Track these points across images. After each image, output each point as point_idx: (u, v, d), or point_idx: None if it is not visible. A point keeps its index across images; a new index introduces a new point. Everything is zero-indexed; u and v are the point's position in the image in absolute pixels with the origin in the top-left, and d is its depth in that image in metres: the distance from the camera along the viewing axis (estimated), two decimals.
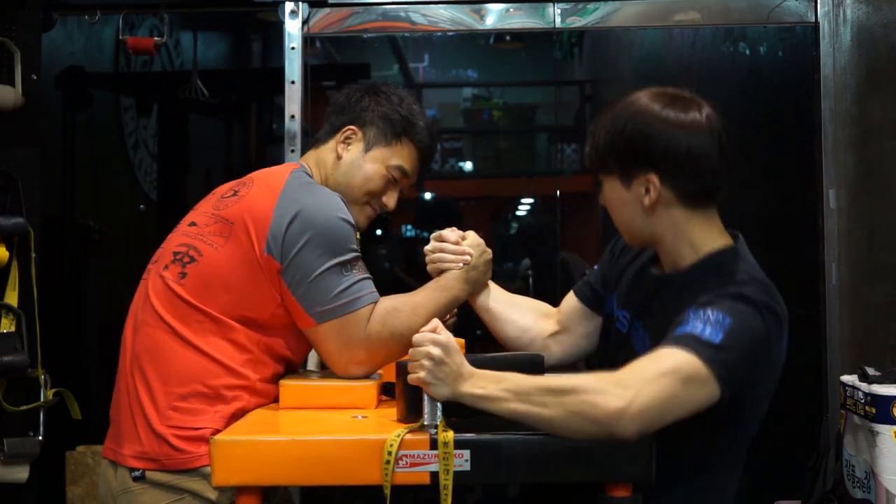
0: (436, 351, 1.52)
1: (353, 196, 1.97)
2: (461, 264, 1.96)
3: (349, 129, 2.00)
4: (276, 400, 1.85)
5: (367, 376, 1.88)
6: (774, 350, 1.63)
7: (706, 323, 1.52)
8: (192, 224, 1.90)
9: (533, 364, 1.71)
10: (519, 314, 2.04)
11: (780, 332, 1.62)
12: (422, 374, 1.52)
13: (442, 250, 1.97)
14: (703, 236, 1.69)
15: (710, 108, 1.68)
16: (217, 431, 1.70)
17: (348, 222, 1.84)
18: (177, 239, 1.90)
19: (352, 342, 1.82)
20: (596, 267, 2.02)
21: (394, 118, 2.00)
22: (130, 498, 1.78)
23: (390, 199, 2.02)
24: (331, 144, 2.02)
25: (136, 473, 1.77)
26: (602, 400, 1.45)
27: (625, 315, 1.83)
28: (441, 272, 1.97)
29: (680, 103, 1.66)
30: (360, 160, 1.99)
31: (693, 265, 1.69)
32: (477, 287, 2.00)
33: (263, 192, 1.85)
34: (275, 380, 1.86)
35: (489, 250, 2.00)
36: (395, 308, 1.87)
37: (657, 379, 1.47)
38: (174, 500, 1.76)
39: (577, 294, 2.01)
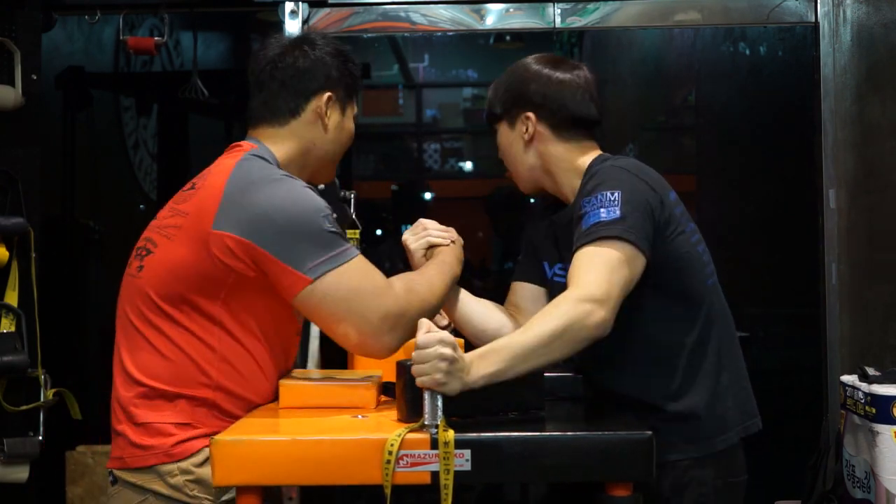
0: (448, 351, 1.52)
1: (336, 158, 1.96)
2: (449, 241, 1.99)
3: (329, 96, 1.89)
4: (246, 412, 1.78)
5: (396, 345, 1.76)
6: (663, 198, 1.82)
7: (601, 206, 1.74)
8: (155, 217, 1.85)
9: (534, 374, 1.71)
10: (490, 310, 2.09)
11: (661, 184, 1.84)
12: (438, 375, 1.51)
13: (427, 231, 1.99)
14: (584, 161, 1.94)
15: (583, 69, 1.98)
16: (177, 425, 1.70)
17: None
18: (143, 234, 1.85)
19: (367, 286, 1.70)
20: (521, 257, 2.16)
21: (355, 74, 1.94)
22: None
23: None
24: (308, 116, 1.88)
25: (111, 478, 1.76)
26: (590, 322, 1.62)
27: (561, 267, 1.99)
28: (426, 253, 1.97)
29: (554, 62, 1.98)
30: (342, 122, 1.92)
31: (581, 183, 1.91)
32: (459, 269, 1.97)
33: (216, 176, 1.80)
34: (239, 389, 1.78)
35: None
36: (411, 278, 1.83)
37: (611, 276, 1.67)
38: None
39: (519, 279, 2.13)
